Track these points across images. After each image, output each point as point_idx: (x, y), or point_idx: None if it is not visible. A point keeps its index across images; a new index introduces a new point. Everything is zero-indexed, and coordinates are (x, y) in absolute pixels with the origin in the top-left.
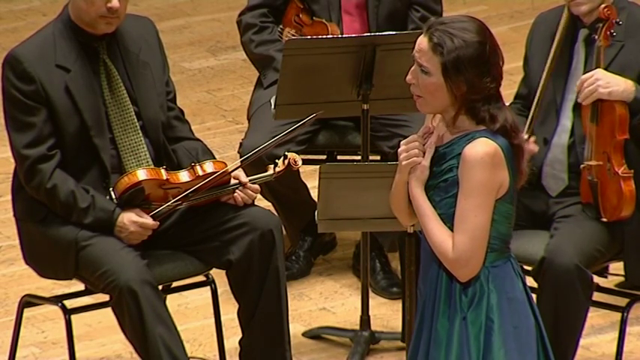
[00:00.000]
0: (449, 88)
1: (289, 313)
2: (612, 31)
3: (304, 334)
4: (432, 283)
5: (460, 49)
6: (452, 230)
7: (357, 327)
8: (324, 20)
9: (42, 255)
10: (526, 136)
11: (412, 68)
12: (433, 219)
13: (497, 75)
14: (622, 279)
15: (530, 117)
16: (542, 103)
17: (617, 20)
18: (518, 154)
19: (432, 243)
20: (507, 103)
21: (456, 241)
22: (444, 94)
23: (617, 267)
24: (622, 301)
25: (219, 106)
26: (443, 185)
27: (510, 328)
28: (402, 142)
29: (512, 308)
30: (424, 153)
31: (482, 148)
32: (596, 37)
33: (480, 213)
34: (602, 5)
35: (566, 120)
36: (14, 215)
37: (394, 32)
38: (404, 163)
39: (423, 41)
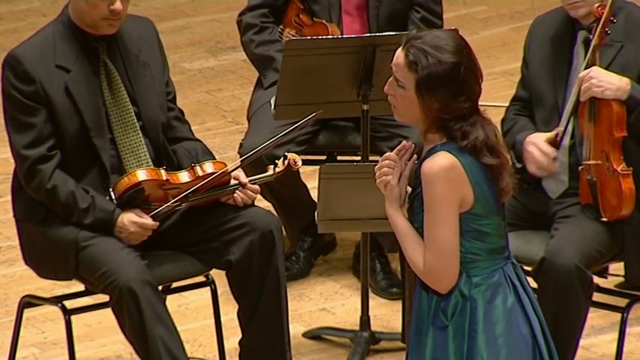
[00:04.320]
0: (421, 104)
1: (289, 313)
2: (607, 29)
3: (304, 335)
4: (416, 295)
5: (433, 68)
6: None
7: (357, 327)
8: (324, 21)
9: (42, 255)
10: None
11: (390, 79)
12: (406, 236)
13: (472, 94)
14: (622, 279)
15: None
16: (546, 106)
17: (612, 18)
18: (495, 173)
19: (407, 258)
20: (507, 104)
21: (425, 256)
22: (417, 109)
23: (617, 267)
24: (622, 302)
25: (219, 106)
26: (417, 200)
27: (494, 337)
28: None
29: (499, 317)
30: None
31: (438, 162)
32: (591, 36)
33: (441, 227)
34: (596, 4)
35: (562, 125)
36: (14, 216)
37: (394, 33)
38: (377, 182)
39: (400, 55)
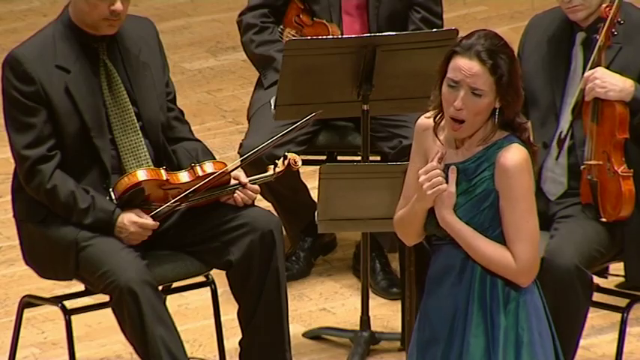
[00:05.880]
0: (502, 103)
1: (289, 313)
2: (614, 30)
3: (304, 335)
4: (463, 294)
5: (510, 63)
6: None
7: (357, 327)
8: (324, 21)
9: (42, 255)
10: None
11: (461, 95)
12: (479, 238)
13: None
14: (622, 279)
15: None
16: (542, 106)
17: (619, 19)
18: (534, 161)
19: (488, 260)
20: None
21: (517, 250)
22: (488, 113)
23: (617, 267)
24: (622, 302)
25: (220, 106)
26: (476, 199)
27: (537, 335)
28: (420, 172)
29: (537, 315)
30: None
31: (518, 154)
32: (598, 36)
33: (530, 218)
34: (604, 5)
35: (566, 123)
36: (14, 216)
37: (394, 33)
38: (429, 192)
39: (473, 65)
